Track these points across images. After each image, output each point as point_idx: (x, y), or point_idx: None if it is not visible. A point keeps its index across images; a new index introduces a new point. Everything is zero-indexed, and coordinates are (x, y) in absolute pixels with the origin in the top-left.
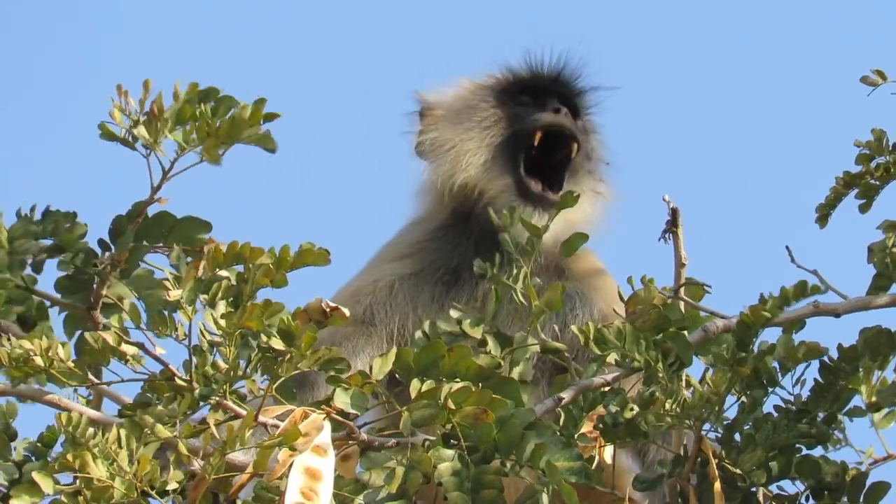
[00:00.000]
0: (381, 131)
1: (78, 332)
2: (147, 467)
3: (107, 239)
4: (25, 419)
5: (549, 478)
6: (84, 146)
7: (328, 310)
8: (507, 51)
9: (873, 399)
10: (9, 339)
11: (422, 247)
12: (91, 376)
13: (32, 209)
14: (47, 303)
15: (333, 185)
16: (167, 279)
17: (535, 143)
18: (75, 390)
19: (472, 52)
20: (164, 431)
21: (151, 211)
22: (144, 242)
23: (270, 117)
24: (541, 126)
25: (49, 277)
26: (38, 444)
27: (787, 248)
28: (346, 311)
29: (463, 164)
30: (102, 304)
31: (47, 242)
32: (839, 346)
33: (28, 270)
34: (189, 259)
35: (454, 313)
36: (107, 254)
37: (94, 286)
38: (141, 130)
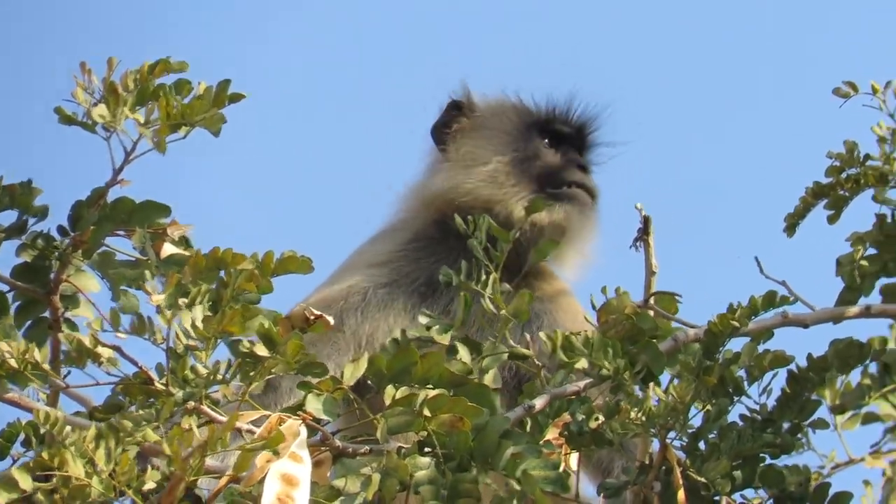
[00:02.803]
0: (370, 133)
1: (29, 322)
2: (125, 467)
3: (66, 225)
4: None
5: (525, 487)
6: (42, 131)
7: (311, 317)
8: (527, 75)
9: (837, 402)
10: None
11: (400, 256)
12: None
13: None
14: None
15: (310, 179)
16: (132, 259)
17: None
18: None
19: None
20: (152, 435)
21: (111, 196)
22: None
23: (236, 98)
24: (571, 182)
25: (5, 266)
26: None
27: (755, 258)
28: (331, 320)
29: (490, 181)
30: (61, 295)
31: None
32: (808, 356)
33: None
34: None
35: (423, 319)
36: (66, 240)
37: (54, 272)
38: (101, 109)
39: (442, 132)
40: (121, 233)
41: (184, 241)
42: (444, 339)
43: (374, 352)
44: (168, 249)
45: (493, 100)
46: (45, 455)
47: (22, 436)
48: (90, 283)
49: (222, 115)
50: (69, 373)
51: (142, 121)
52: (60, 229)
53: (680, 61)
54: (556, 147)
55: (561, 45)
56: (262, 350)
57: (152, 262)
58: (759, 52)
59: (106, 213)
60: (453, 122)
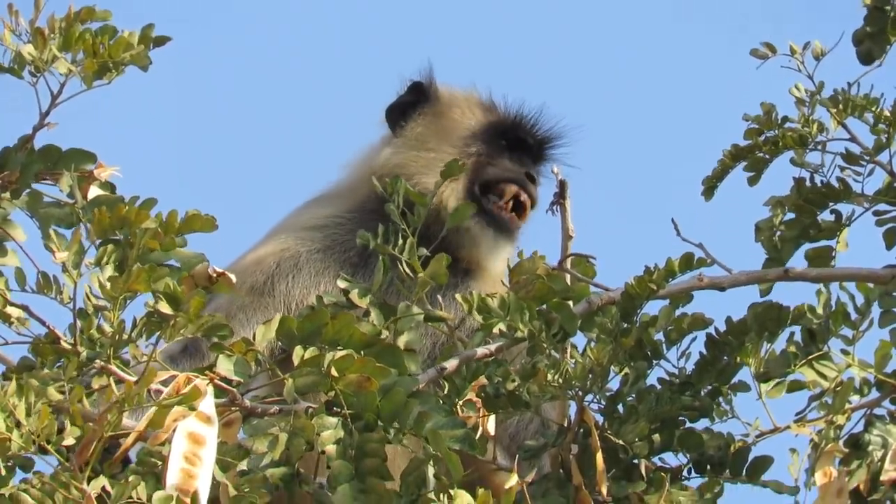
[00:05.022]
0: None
1: None
2: (45, 421)
3: None
4: None
5: (433, 446)
6: None
7: (214, 275)
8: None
9: (762, 370)
10: None
11: (337, 222)
12: None
13: None
14: None
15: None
16: (59, 202)
17: (502, 202)
18: None
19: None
20: (55, 394)
21: (38, 143)
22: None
23: (160, 41)
24: (514, 192)
25: None
26: None
27: (672, 220)
28: (233, 278)
29: (431, 169)
30: None
31: None
32: (727, 320)
33: None
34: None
35: (341, 283)
36: None
37: None
38: (29, 48)
39: (398, 113)
40: (47, 181)
41: (108, 186)
42: (364, 302)
43: None
44: (94, 192)
45: (459, 92)
46: None
47: None
48: (17, 232)
49: (145, 52)
50: None
51: (68, 62)
52: None
53: (601, 28)
54: (511, 152)
55: (534, 54)
56: (165, 308)
57: (79, 204)
58: (678, 13)
59: (33, 158)
60: (412, 104)
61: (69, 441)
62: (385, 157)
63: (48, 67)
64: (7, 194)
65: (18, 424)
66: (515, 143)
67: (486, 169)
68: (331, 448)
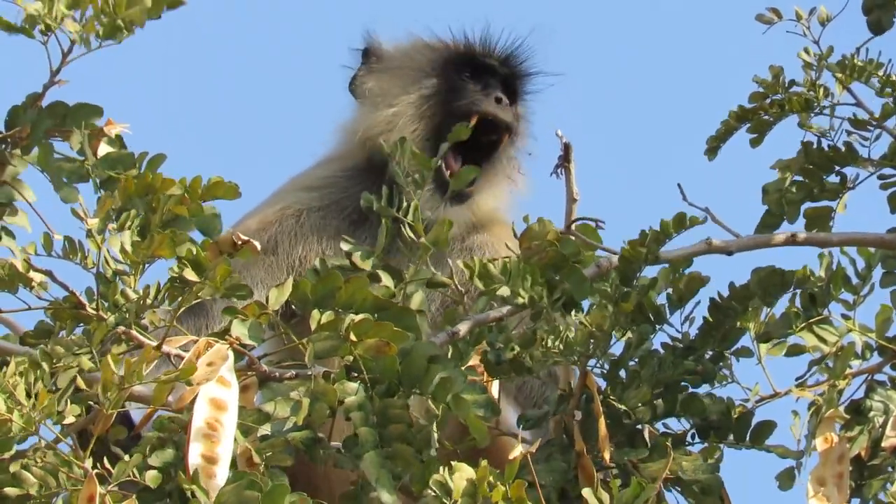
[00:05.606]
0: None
1: None
2: (45, 401)
3: (2, 129)
4: None
5: (457, 412)
6: None
7: (239, 242)
8: (461, 17)
9: (763, 331)
10: None
11: (332, 182)
12: None
13: None
14: None
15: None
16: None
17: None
18: None
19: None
20: (86, 363)
21: (48, 100)
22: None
23: (174, 4)
24: (479, 112)
25: None
26: None
27: (678, 185)
28: (258, 245)
29: (393, 125)
30: None
31: None
32: (730, 285)
33: None
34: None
35: (345, 246)
36: (8, 147)
37: None
38: (37, 5)
39: (357, 85)
40: (57, 138)
41: (119, 142)
42: (366, 265)
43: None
44: (104, 149)
45: (405, 42)
46: None
47: None
48: (27, 192)
49: (146, 9)
50: None
51: (77, 21)
52: None
53: None
54: (478, 82)
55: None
56: (190, 275)
57: (90, 161)
58: None
59: (42, 115)
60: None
61: (69, 420)
62: (354, 122)
63: (57, 26)
64: (18, 151)
65: (19, 405)
66: (479, 71)
67: (447, 108)
68: (355, 415)
